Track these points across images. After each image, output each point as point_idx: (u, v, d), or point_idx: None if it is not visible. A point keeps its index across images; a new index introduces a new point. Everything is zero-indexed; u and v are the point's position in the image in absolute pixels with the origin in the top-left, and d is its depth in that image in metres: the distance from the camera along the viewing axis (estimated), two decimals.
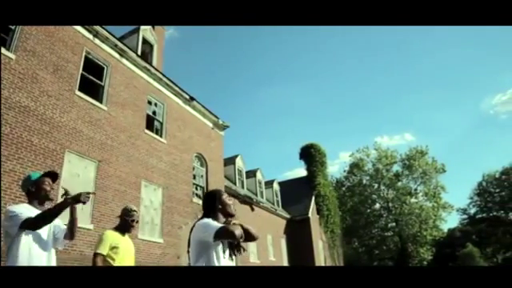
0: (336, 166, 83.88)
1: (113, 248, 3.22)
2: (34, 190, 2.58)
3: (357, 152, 38.95)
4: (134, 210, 3.53)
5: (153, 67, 11.12)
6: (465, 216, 40.90)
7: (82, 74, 8.44)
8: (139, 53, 11.14)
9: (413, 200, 36.01)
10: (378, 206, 38.21)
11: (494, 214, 37.94)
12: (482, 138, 68.02)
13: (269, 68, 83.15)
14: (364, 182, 38.25)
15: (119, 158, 8.98)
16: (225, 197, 2.40)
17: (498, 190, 38.09)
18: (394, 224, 36.64)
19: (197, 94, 16.08)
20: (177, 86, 11.87)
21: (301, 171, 55.63)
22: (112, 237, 3.30)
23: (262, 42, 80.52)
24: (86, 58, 8.72)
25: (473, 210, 40.21)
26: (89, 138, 8.22)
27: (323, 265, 22.03)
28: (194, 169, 12.38)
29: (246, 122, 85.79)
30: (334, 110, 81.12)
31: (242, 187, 18.41)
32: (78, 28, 8.56)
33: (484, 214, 38.77)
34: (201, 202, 2.58)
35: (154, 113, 11.10)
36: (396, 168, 37.59)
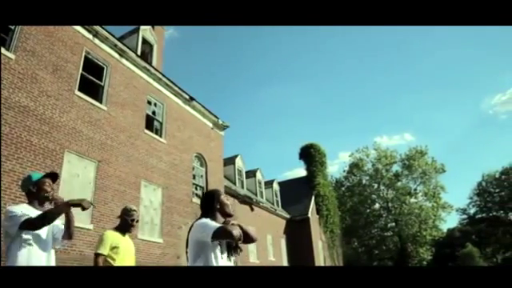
0: (336, 166, 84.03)
1: (113, 248, 3.22)
2: (35, 191, 2.58)
3: (356, 152, 39.01)
4: (134, 210, 3.53)
5: (152, 67, 11.12)
6: (464, 216, 40.93)
7: (81, 74, 8.43)
8: (139, 53, 11.14)
9: (412, 200, 36.03)
10: (377, 206, 38.22)
11: (494, 214, 37.95)
12: (482, 138, 68.10)
13: (268, 68, 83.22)
14: (363, 182, 38.26)
15: (119, 158, 8.98)
16: (223, 197, 2.40)
17: (497, 190, 38.10)
18: (393, 224, 36.66)
19: (196, 93, 16.11)
20: (176, 85, 11.87)
21: (300, 171, 55.70)
22: (112, 237, 3.30)
23: (262, 42, 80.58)
24: (86, 57, 8.71)
25: (472, 210, 40.25)
26: (88, 138, 8.22)
27: (323, 265, 22.03)
28: (193, 169, 12.38)
29: (246, 122, 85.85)
30: (333, 110, 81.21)
31: (242, 187, 18.42)
32: (78, 28, 8.55)
33: (484, 214, 38.78)
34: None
35: (154, 113, 11.09)
36: (396, 168, 37.64)
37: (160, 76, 11.25)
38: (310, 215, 21.77)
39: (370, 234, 38.16)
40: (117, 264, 3.19)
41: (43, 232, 2.49)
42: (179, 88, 11.98)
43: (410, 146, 53.84)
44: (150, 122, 10.83)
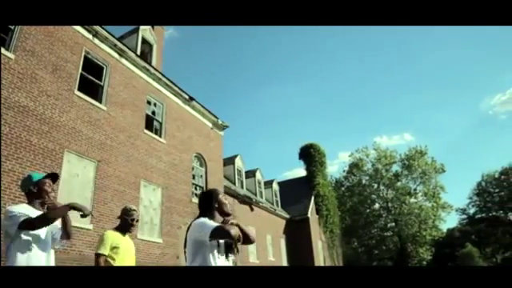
0: (335, 166, 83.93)
1: (113, 248, 3.22)
2: (36, 191, 2.59)
3: (356, 152, 39.00)
4: (134, 210, 3.53)
5: (152, 67, 11.11)
6: (464, 216, 40.95)
7: (81, 74, 8.43)
8: (138, 53, 11.14)
9: (412, 200, 36.03)
10: (377, 206, 38.22)
11: (494, 214, 37.96)
12: (482, 138, 68.12)
13: (268, 68, 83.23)
14: (363, 181, 38.26)
15: (118, 158, 8.97)
16: (221, 196, 2.41)
17: (497, 190, 38.13)
18: (393, 224, 36.67)
19: (196, 93, 16.11)
20: (176, 85, 11.87)
21: (300, 171, 55.72)
22: (113, 237, 3.30)
23: (262, 42, 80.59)
24: (86, 57, 8.71)
25: (472, 210, 40.27)
26: (88, 138, 8.21)
27: (322, 265, 22.04)
28: (193, 169, 12.38)
29: (246, 121, 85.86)
30: (333, 110, 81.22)
31: (242, 187, 18.42)
32: (78, 28, 8.55)
33: (483, 214, 38.80)
34: None
35: (154, 113, 11.09)
36: (395, 168, 37.65)
37: (160, 76, 11.25)
38: (309, 215, 21.77)
39: (369, 234, 38.16)
40: (117, 264, 3.19)
41: (42, 232, 2.49)
42: (179, 88, 11.98)
43: (409, 146, 53.90)
44: (149, 122, 10.83)
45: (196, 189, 12.36)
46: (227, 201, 2.45)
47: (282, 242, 20.47)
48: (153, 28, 12.70)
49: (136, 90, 10.27)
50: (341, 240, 28.14)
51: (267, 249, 18.19)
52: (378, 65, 71.37)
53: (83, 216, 2.50)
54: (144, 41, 12.00)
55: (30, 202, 2.57)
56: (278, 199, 22.74)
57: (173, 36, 74.60)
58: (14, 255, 2.32)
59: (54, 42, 7.83)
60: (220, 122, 14.37)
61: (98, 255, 3.18)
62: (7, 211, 2.40)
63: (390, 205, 36.66)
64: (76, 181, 7.71)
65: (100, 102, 8.87)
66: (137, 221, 3.54)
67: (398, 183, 36.60)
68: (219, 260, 2.17)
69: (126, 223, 3.45)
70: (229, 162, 18.18)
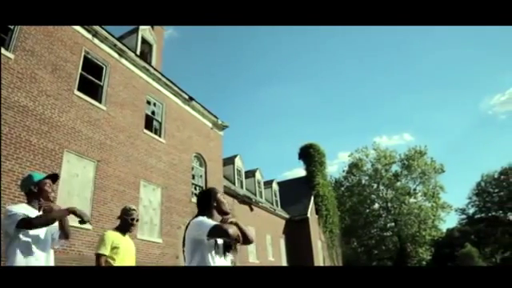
0: (335, 166, 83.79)
1: (113, 248, 3.22)
2: (36, 191, 2.59)
3: (356, 152, 39.00)
4: (134, 209, 3.53)
5: (152, 67, 11.11)
6: (463, 216, 40.96)
7: (80, 74, 8.43)
8: (138, 53, 11.14)
9: (412, 200, 36.03)
10: (376, 206, 38.23)
11: (493, 214, 37.98)
12: (481, 139, 68.12)
13: (268, 68, 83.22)
14: (363, 182, 38.26)
15: (118, 158, 8.97)
16: (220, 195, 2.41)
17: (496, 190, 38.15)
18: (392, 224, 36.67)
19: (196, 93, 16.11)
20: (176, 85, 11.87)
21: (300, 171, 55.68)
22: (113, 237, 3.30)
23: (262, 42, 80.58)
24: (85, 57, 8.71)
25: (471, 210, 40.28)
26: (88, 138, 8.21)
27: (322, 265, 22.04)
28: (192, 169, 12.38)
29: (245, 122, 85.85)
30: (333, 110, 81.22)
31: (241, 187, 18.42)
32: (77, 28, 8.55)
33: (483, 214, 38.81)
34: None
35: (153, 113, 11.09)
36: (395, 168, 37.66)
37: (159, 76, 11.25)
38: (309, 215, 21.78)
39: (369, 234, 38.17)
40: (117, 264, 3.19)
41: (42, 232, 2.50)
42: (178, 88, 11.98)
43: (409, 146, 53.92)
44: (149, 122, 10.83)
45: (196, 189, 12.36)
46: (225, 200, 2.46)
47: (282, 242, 20.47)
48: (152, 28, 12.70)
49: (136, 89, 10.26)
50: (340, 240, 28.15)
51: (267, 249, 18.19)
52: (377, 65, 71.44)
53: (82, 222, 2.52)
54: (144, 41, 11.99)
55: (30, 202, 2.58)
56: (278, 199, 22.75)
57: (172, 36, 74.62)
58: (14, 255, 2.32)
59: (53, 42, 7.82)
60: (220, 122, 14.37)
61: (98, 255, 3.18)
62: (6, 210, 2.41)
63: (389, 205, 36.67)
64: (76, 181, 7.71)
65: (100, 101, 8.87)
66: (137, 220, 3.54)
67: (398, 183, 36.62)
68: (218, 259, 2.17)
69: (126, 223, 3.45)
70: (228, 162, 18.18)
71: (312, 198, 23.43)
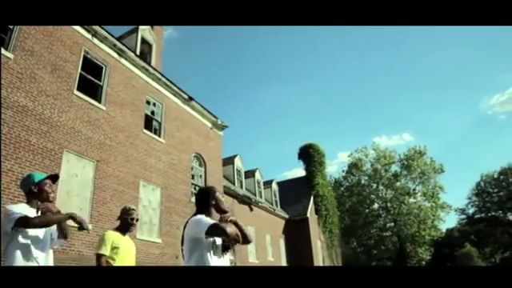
0: (334, 166, 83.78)
1: (113, 248, 3.22)
2: (36, 191, 2.59)
3: (355, 152, 38.99)
4: (133, 209, 3.52)
5: (151, 67, 11.11)
6: (463, 216, 41.00)
7: (80, 74, 8.42)
8: (138, 53, 11.13)
9: (411, 200, 36.04)
10: (376, 206, 38.23)
11: (493, 214, 38.01)
12: (481, 139, 68.18)
13: (268, 68, 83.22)
14: (362, 182, 38.27)
15: (118, 158, 8.97)
16: (218, 193, 2.41)
17: (496, 190, 38.18)
18: (392, 224, 36.68)
19: (195, 93, 16.10)
20: (175, 85, 11.86)
21: (299, 171, 55.65)
22: (113, 237, 3.29)
23: (261, 42, 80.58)
24: (85, 57, 8.70)
25: (471, 210, 40.32)
26: (87, 138, 8.21)
27: (321, 265, 22.05)
28: (192, 169, 12.38)
29: (245, 121, 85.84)
30: (332, 110, 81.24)
31: (241, 187, 18.41)
32: (77, 28, 8.54)
33: (482, 214, 38.84)
34: None
35: (153, 113, 11.08)
36: (394, 168, 37.65)
37: (159, 76, 11.24)
38: (308, 215, 21.78)
39: (368, 234, 38.18)
40: (116, 264, 3.18)
41: (41, 232, 2.50)
42: (178, 88, 11.97)
43: (408, 146, 53.81)
44: (148, 122, 10.83)
45: (195, 189, 12.35)
46: (224, 198, 2.46)
47: (282, 242, 20.47)
48: (152, 28, 12.69)
49: (135, 89, 10.26)
50: (340, 240, 28.16)
51: (266, 249, 18.19)
52: (377, 65, 71.46)
53: (80, 229, 2.52)
54: (143, 41, 11.99)
55: (29, 202, 2.58)
56: (278, 199, 22.74)
57: (172, 36, 74.58)
58: (13, 255, 2.32)
59: (53, 42, 7.82)
60: (219, 122, 14.37)
61: (98, 256, 3.17)
62: (5, 210, 2.42)
63: (389, 205, 36.68)
64: (75, 181, 7.70)
65: (99, 101, 8.87)
66: (137, 220, 3.53)
67: (397, 183, 36.62)
68: (216, 258, 2.16)
69: (126, 223, 3.44)
70: (228, 162, 18.17)
71: (311, 198, 23.43)
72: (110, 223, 7.58)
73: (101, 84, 9.09)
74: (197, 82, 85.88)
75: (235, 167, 18.57)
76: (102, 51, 9.22)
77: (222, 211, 2.35)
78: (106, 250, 3.18)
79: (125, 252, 3.31)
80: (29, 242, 2.40)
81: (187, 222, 2.25)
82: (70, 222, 2.63)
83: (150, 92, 10.88)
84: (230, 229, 2.09)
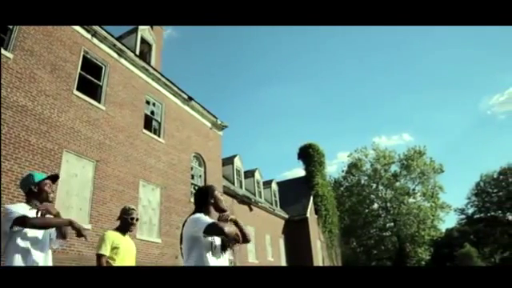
0: (334, 166, 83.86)
1: (114, 248, 3.21)
2: (36, 191, 2.59)
3: (355, 152, 39.00)
4: (133, 209, 3.52)
5: (151, 67, 11.10)
6: (463, 216, 41.01)
7: (80, 74, 8.42)
8: (137, 53, 11.13)
9: (411, 200, 36.06)
10: (376, 206, 38.24)
11: (492, 214, 38.03)
12: (480, 139, 68.24)
13: (268, 68, 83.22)
14: (362, 182, 38.28)
15: (117, 158, 8.96)
16: (217, 192, 2.41)
17: (495, 190, 38.20)
18: (392, 224, 36.69)
19: (195, 93, 16.11)
20: (175, 85, 11.86)
21: (299, 171, 55.63)
22: (113, 237, 3.29)
23: (261, 42, 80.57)
24: (84, 57, 8.70)
25: (471, 210, 40.34)
26: (87, 138, 8.20)
27: (321, 265, 22.05)
28: (192, 169, 12.38)
29: (245, 121, 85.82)
30: (332, 110, 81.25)
31: (241, 187, 18.41)
32: (77, 28, 8.53)
33: (482, 214, 38.86)
34: None
35: (152, 113, 11.08)
36: (394, 168, 37.66)
37: (159, 76, 11.24)
38: (308, 215, 21.78)
39: (368, 234, 38.18)
40: (117, 264, 3.18)
41: (40, 233, 2.50)
42: (178, 88, 11.97)
43: (408, 146, 53.79)
44: (148, 122, 10.82)
45: (195, 189, 12.34)
46: (223, 197, 2.45)
47: (281, 242, 20.47)
48: (152, 28, 12.69)
49: (135, 89, 10.26)
50: (339, 240, 28.16)
51: (266, 249, 18.19)
52: (377, 65, 71.48)
53: (78, 235, 2.52)
54: (143, 41, 11.98)
55: (29, 202, 2.58)
56: (277, 199, 22.74)
57: (172, 36, 74.55)
58: (12, 255, 2.32)
59: (52, 42, 7.81)
60: (219, 122, 14.37)
61: (99, 256, 3.17)
62: (5, 209, 2.41)
63: (388, 205, 36.69)
64: (75, 181, 7.70)
65: (99, 101, 8.86)
66: (137, 220, 3.53)
67: (397, 183, 36.63)
68: (215, 256, 2.16)
69: (126, 223, 3.44)
70: (228, 162, 18.17)
71: (311, 198, 23.43)
72: (109, 223, 7.58)
73: (100, 84, 9.09)
74: (196, 82, 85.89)
75: (235, 167, 18.57)
76: (102, 51, 9.22)
77: (220, 210, 2.35)
78: (106, 250, 3.17)
79: (125, 252, 3.31)
80: (28, 245, 2.39)
81: (186, 221, 2.25)
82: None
83: (149, 92, 10.88)
84: (229, 228, 2.07)
